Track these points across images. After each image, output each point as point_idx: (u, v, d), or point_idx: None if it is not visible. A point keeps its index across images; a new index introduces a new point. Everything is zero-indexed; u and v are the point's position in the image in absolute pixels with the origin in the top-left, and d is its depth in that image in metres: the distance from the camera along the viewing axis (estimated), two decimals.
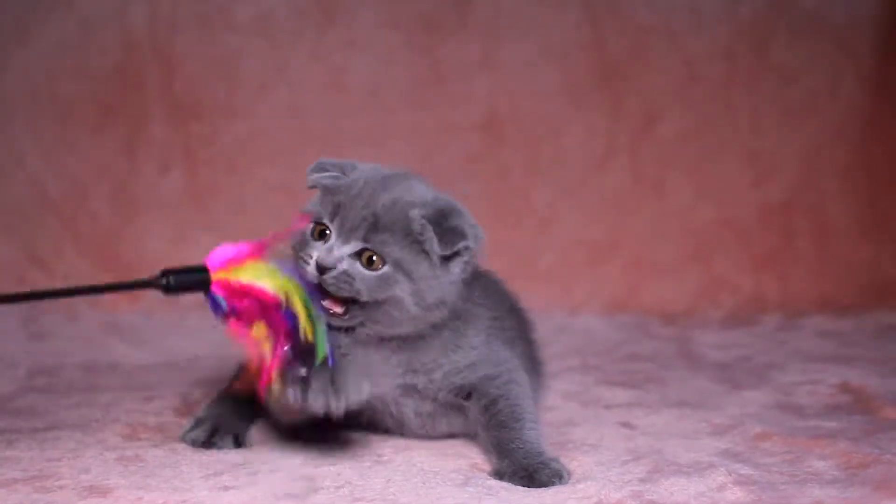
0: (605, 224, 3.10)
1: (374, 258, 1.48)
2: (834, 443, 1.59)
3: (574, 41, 3.08)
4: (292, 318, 1.44)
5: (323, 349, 1.43)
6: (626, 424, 1.81)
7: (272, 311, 1.45)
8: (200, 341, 2.60)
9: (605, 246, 3.08)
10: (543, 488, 1.41)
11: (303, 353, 1.43)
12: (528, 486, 1.41)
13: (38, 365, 2.32)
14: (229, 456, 1.56)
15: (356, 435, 1.70)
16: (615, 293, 3.06)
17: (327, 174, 1.57)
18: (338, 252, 1.48)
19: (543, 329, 2.52)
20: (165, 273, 1.44)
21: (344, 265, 1.47)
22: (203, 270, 1.44)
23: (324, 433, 1.72)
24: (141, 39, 2.90)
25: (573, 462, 1.53)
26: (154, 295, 2.87)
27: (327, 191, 1.55)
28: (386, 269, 1.48)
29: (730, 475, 1.41)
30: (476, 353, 1.61)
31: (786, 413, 1.90)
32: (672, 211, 3.12)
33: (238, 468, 1.49)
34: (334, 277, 1.47)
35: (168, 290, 1.44)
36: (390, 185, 1.54)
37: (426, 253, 1.49)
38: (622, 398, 2.04)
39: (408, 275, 1.48)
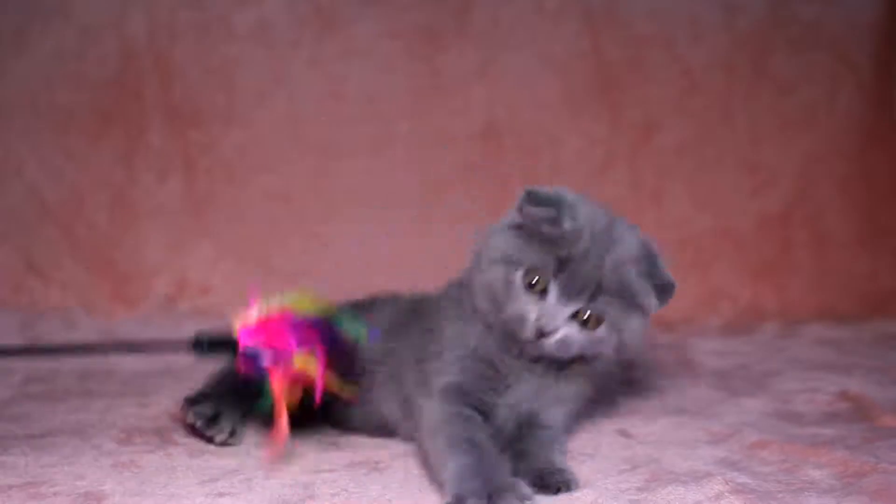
0: None
1: (591, 319, 1.45)
2: (831, 451, 1.59)
3: (573, 51, 3.08)
4: (329, 330, 1.46)
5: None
6: (623, 433, 1.80)
7: (304, 330, 1.46)
8: None
9: None
10: (543, 496, 1.41)
11: (344, 355, 1.45)
12: (538, 491, 1.39)
13: (34, 371, 2.32)
14: (224, 462, 1.56)
15: (352, 441, 1.70)
16: None
17: (544, 213, 1.47)
18: (560, 315, 1.44)
19: None
20: (198, 337, 1.45)
21: (564, 330, 1.44)
22: (232, 337, 1.46)
23: (320, 439, 1.72)
24: (139, 48, 2.91)
25: (569, 464, 1.52)
26: (150, 302, 2.91)
27: (548, 240, 1.47)
28: (602, 330, 1.46)
29: (727, 484, 1.41)
30: None
31: (784, 421, 1.89)
32: (670, 220, 3.12)
33: (233, 474, 1.49)
34: (554, 343, 1.44)
35: (200, 352, 1.46)
36: (609, 240, 1.49)
37: (637, 307, 1.49)
38: (620, 406, 2.03)
39: (619, 332, 1.48)
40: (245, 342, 1.45)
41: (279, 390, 1.45)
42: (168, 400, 1.97)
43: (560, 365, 1.52)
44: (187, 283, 2.90)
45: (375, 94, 3.01)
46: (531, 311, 1.44)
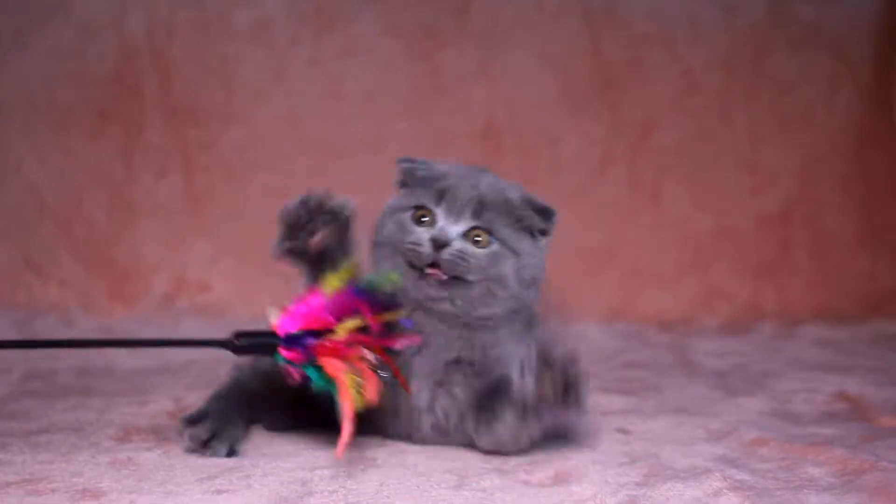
0: (602, 232, 3.10)
1: (482, 237, 1.54)
2: (830, 449, 1.59)
3: (572, 50, 3.08)
4: (363, 293, 1.46)
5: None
6: (622, 430, 1.80)
7: (338, 303, 1.44)
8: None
9: (602, 254, 3.08)
10: (540, 487, 1.41)
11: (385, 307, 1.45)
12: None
13: (32, 368, 2.31)
14: (222, 459, 1.55)
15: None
16: (612, 301, 3.07)
17: (414, 163, 1.65)
18: (451, 230, 1.54)
19: None
20: (237, 335, 1.42)
21: (458, 244, 1.53)
22: (273, 335, 1.43)
23: (317, 437, 1.72)
24: (139, 46, 2.91)
25: (569, 463, 1.52)
26: (148, 299, 2.91)
27: (425, 180, 1.61)
28: (494, 246, 1.54)
29: (725, 480, 1.40)
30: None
31: (782, 420, 1.89)
32: (669, 220, 3.12)
33: (231, 472, 1.48)
34: (450, 254, 1.52)
35: (238, 350, 1.43)
36: (482, 173, 1.62)
37: (526, 231, 1.59)
38: (619, 405, 2.03)
39: (514, 252, 1.56)
40: (284, 331, 1.42)
41: (334, 369, 1.42)
42: (166, 398, 1.97)
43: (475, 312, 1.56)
44: (186, 281, 2.89)
45: (374, 92, 3.01)
46: (425, 233, 1.55)
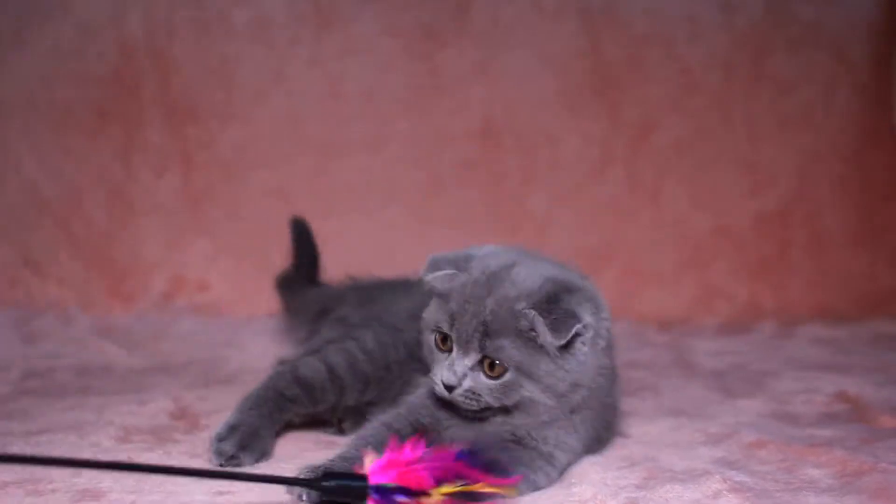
0: (601, 232, 3.10)
1: (496, 365, 1.42)
2: (830, 451, 1.59)
3: (571, 50, 3.08)
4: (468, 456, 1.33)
5: None
6: (620, 433, 1.80)
7: (441, 463, 1.32)
8: (194, 345, 2.60)
9: (601, 253, 3.08)
10: (537, 491, 1.41)
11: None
12: None
13: (32, 367, 2.31)
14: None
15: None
16: (611, 300, 2.99)
17: (441, 274, 1.49)
18: (459, 368, 1.44)
19: None
20: (327, 476, 1.30)
21: (468, 381, 1.44)
22: (362, 479, 1.31)
23: (317, 439, 1.72)
24: (138, 44, 2.90)
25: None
26: (147, 298, 2.90)
27: (441, 297, 1.49)
28: (508, 375, 1.42)
29: (725, 482, 1.41)
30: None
31: (781, 421, 1.89)
32: (668, 219, 3.12)
33: None
34: (461, 395, 1.44)
35: (325, 491, 1.33)
36: (496, 282, 1.45)
37: (540, 345, 1.41)
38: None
39: (530, 376, 1.42)
40: (375, 480, 1.30)
41: None
42: (165, 397, 1.97)
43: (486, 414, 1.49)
44: (184, 279, 2.89)
45: (374, 92, 3.00)
46: (439, 369, 1.47)
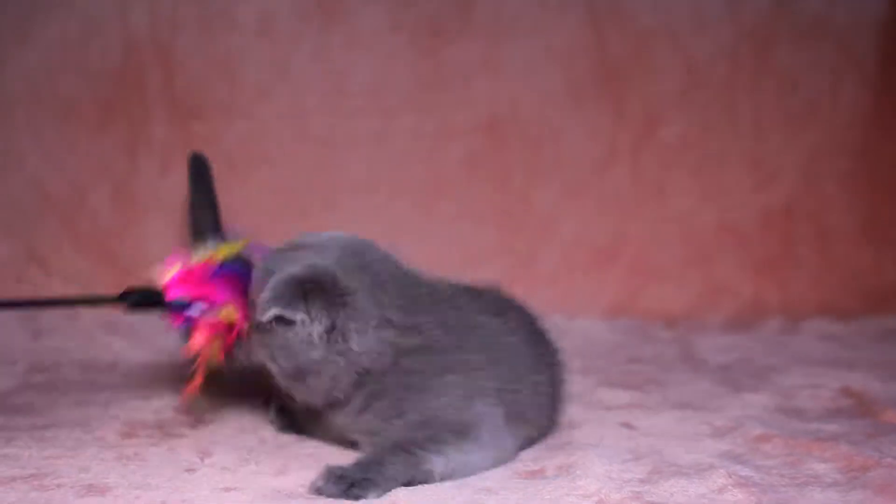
0: (606, 227, 3.09)
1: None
2: (835, 446, 1.59)
3: (576, 43, 3.07)
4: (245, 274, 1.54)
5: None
6: (626, 425, 1.80)
7: (228, 280, 1.54)
8: None
9: (606, 249, 3.08)
10: (544, 482, 1.41)
11: None
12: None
13: (37, 362, 2.32)
14: (229, 457, 1.55)
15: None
16: (616, 296, 3.06)
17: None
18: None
19: None
20: (127, 292, 1.51)
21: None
22: (160, 295, 1.52)
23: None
24: (142, 39, 2.90)
25: (572, 458, 1.52)
26: None
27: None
28: (255, 336, 1.53)
29: (730, 477, 1.40)
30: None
31: (787, 416, 1.89)
32: (673, 215, 3.12)
33: (238, 469, 1.48)
34: None
35: (129, 306, 1.51)
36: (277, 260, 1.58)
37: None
38: (623, 400, 2.03)
39: (263, 343, 1.53)
40: (173, 294, 1.49)
41: (201, 342, 1.50)
42: (172, 392, 1.97)
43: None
44: None
45: (378, 86, 3.00)
46: None
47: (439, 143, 3.03)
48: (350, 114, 2.99)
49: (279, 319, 1.47)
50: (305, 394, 1.55)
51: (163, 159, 2.91)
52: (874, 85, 3.17)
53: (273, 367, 1.53)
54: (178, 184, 2.91)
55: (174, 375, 2.19)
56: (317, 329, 1.48)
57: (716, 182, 3.14)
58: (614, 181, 3.10)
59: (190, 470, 1.47)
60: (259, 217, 2.91)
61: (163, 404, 1.88)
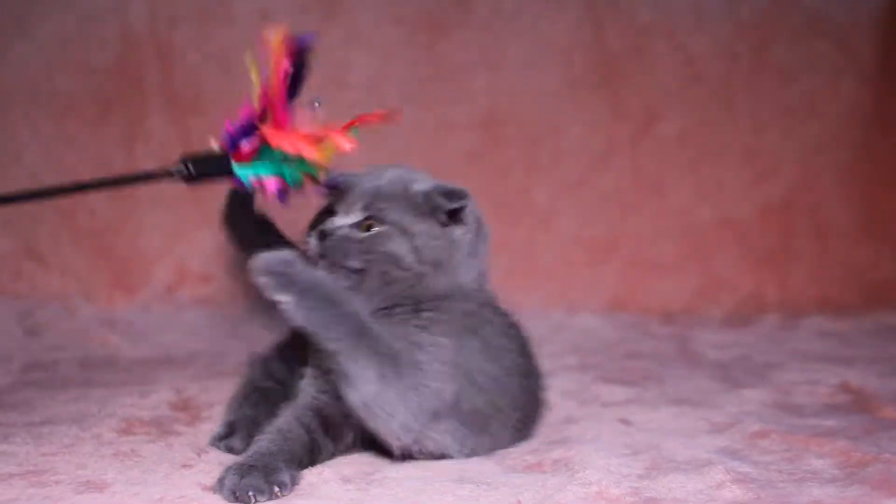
0: (604, 223, 3.09)
1: (373, 225, 1.54)
2: (833, 441, 1.59)
3: (575, 39, 3.07)
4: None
5: None
6: (624, 421, 1.80)
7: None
8: (196, 336, 2.60)
9: (604, 244, 3.07)
10: (543, 476, 1.41)
11: None
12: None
13: (34, 359, 2.32)
14: (226, 455, 1.55)
15: None
16: (614, 292, 3.06)
17: (336, 179, 1.62)
18: (339, 222, 1.56)
19: (542, 327, 2.51)
20: (184, 160, 1.47)
21: (343, 231, 1.54)
22: (224, 157, 1.52)
23: None
24: (140, 34, 2.89)
25: (571, 453, 1.52)
26: (150, 290, 2.89)
27: (337, 187, 1.61)
28: (381, 228, 1.53)
29: (728, 473, 1.40)
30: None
31: (785, 412, 1.89)
32: (672, 210, 3.12)
33: None
34: (332, 240, 1.53)
35: (191, 178, 1.47)
36: (393, 169, 1.62)
37: (429, 215, 1.54)
38: (620, 396, 2.03)
39: (404, 232, 1.53)
40: (226, 140, 1.52)
41: (291, 143, 1.54)
42: (168, 389, 1.97)
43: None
44: (187, 271, 2.88)
45: (376, 81, 2.99)
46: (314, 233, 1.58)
47: (438, 138, 3.02)
48: (348, 108, 2.96)
49: (452, 214, 1.54)
50: (406, 283, 1.54)
51: (161, 154, 2.90)
52: (872, 80, 3.18)
53: (409, 258, 1.53)
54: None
55: (170, 372, 2.19)
56: (468, 236, 1.58)
57: (714, 177, 3.14)
58: (613, 176, 3.10)
59: (186, 466, 1.47)
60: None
61: (159, 401, 1.88)
